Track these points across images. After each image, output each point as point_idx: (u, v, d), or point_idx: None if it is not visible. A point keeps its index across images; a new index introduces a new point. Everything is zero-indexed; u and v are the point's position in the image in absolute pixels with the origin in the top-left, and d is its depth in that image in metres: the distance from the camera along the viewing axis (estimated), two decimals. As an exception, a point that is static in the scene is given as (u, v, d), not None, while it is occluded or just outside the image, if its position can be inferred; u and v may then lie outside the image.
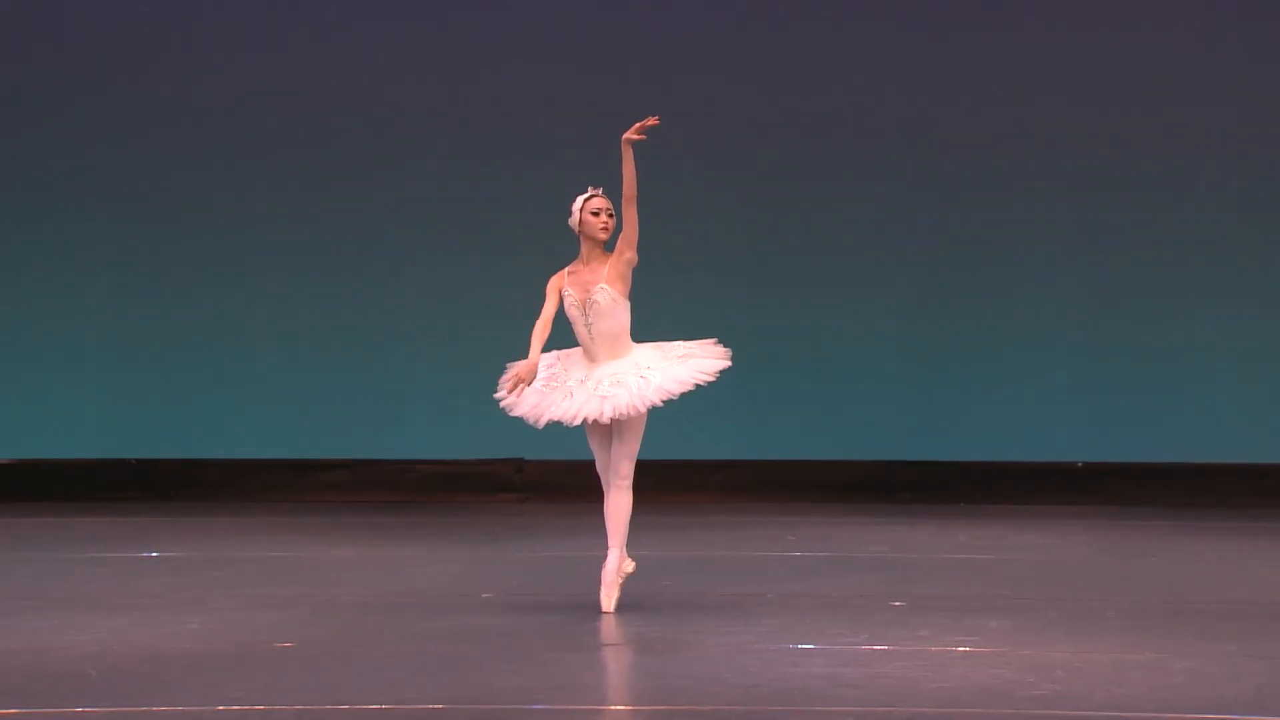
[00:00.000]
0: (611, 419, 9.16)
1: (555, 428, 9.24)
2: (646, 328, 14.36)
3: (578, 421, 9.14)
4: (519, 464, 14.28)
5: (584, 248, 9.35)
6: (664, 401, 9.19)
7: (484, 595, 9.74)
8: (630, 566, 9.35)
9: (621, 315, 9.29)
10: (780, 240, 14.42)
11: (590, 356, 9.30)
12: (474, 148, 14.33)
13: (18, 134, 14.15)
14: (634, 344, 9.38)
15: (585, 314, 9.25)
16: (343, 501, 13.98)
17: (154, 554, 11.66)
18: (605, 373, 9.20)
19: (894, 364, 14.40)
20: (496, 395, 9.29)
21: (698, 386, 9.28)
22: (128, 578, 10.61)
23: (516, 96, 14.28)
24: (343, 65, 14.28)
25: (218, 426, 14.25)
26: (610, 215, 9.35)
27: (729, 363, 9.36)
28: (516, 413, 9.25)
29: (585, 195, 9.36)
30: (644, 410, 9.18)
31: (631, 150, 9.23)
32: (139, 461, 14.32)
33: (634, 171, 9.24)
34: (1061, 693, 7.65)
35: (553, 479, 14.39)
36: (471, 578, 10.46)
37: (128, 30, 14.25)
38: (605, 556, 9.29)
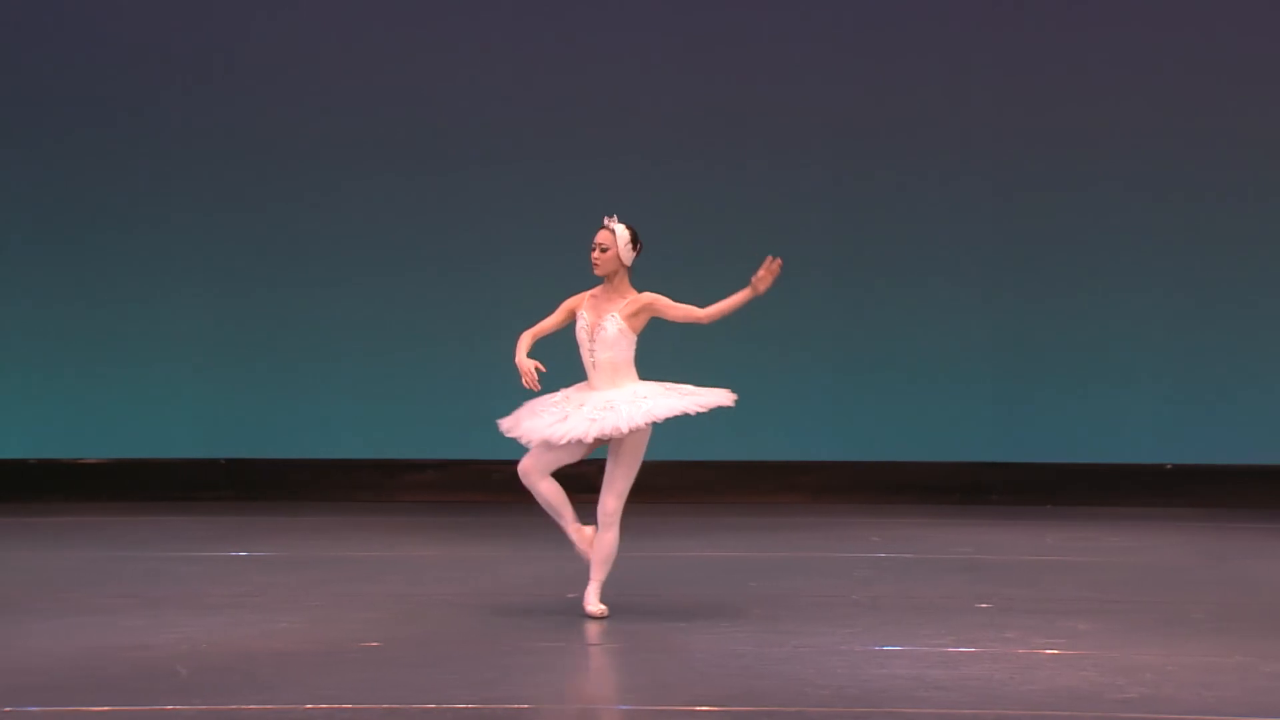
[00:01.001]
0: (603, 441, 9.15)
1: None
2: (737, 327, 14.42)
3: (565, 440, 9.12)
4: (601, 465, 14.30)
5: (614, 277, 9.33)
6: (648, 424, 9.13)
7: (569, 595, 9.76)
8: (598, 609, 9.30)
9: (625, 348, 9.27)
10: (870, 240, 14.38)
11: (592, 382, 9.31)
12: (564, 147, 14.36)
13: (114, 131, 14.27)
14: (638, 379, 9.31)
15: (591, 339, 9.26)
16: (431, 501, 14.03)
17: (244, 553, 11.75)
18: (601, 399, 9.19)
19: (984, 365, 14.34)
20: (501, 425, 9.35)
21: (686, 415, 9.20)
22: (219, 577, 10.69)
23: (619, 92, 14.30)
24: (431, 66, 14.33)
25: (308, 427, 14.33)
26: (603, 251, 9.29)
27: (730, 402, 9.28)
28: (513, 434, 9.28)
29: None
30: (626, 430, 9.09)
31: (749, 296, 9.19)
32: (229, 461, 14.42)
33: (729, 311, 9.21)
34: (1150, 695, 7.61)
35: (638, 479, 14.39)
36: (557, 578, 10.48)
37: (224, 32, 14.36)
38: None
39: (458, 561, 11.42)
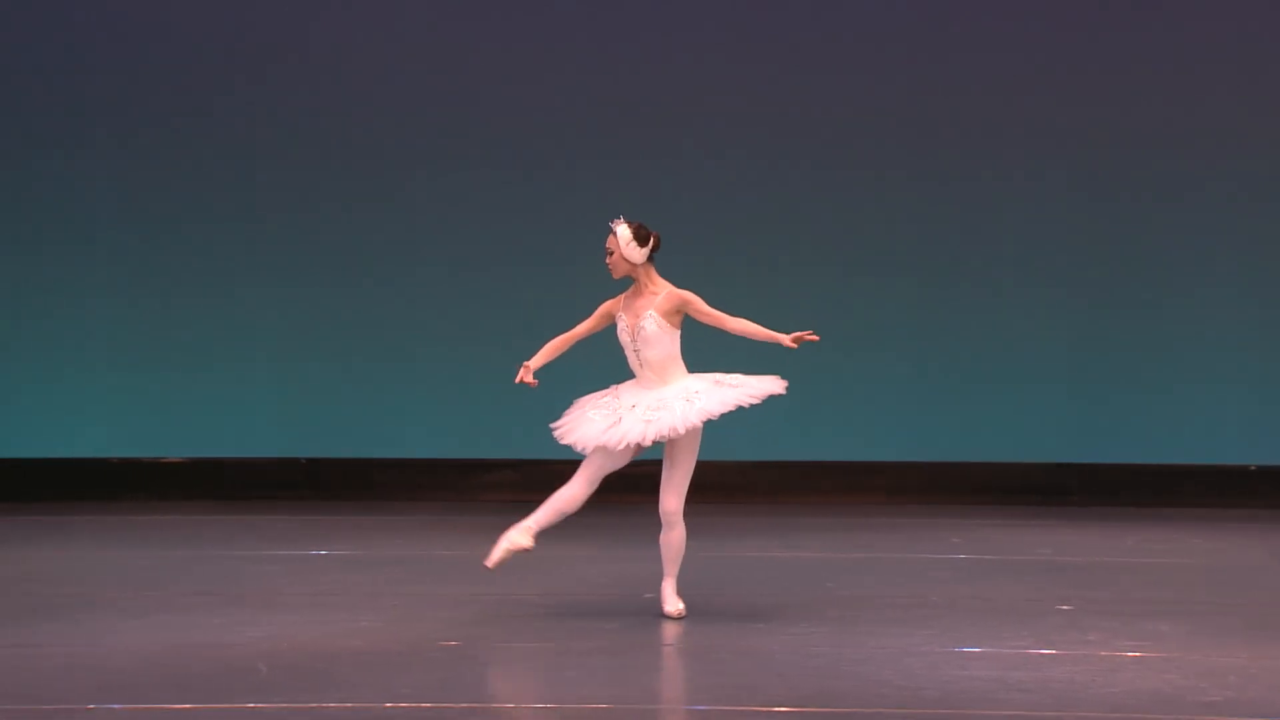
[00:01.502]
0: (660, 442, 9.13)
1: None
2: (812, 326, 14.31)
3: (622, 445, 9.11)
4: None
5: (637, 276, 9.32)
6: (704, 422, 9.11)
7: (646, 595, 9.76)
8: (677, 609, 9.28)
9: (669, 344, 9.25)
10: (947, 240, 14.33)
11: (642, 383, 9.29)
12: (636, 147, 14.37)
13: (195, 130, 14.37)
14: (688, 372, 9.29)
15: (634, 340, 9.25)
16: (510, 501, 14.06)
17: (324, 552, 11.80)
18: (653, 398, 9.17)
19: (1064, 365, 14.27)
20: (552, 425, 9.34)
21: (740, 408, 9.18)
22: (299, 575, 10.75)
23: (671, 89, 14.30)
24: (509, 66, 14.37)
25: (387, 426, 14.39)
26: (610, 255, 9.31)
27: (781, 389, 9.25)
28: (567, 441, 9.28)
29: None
30: (683, 431, 9.07)
31: (777, 341, 9.18)
32: (309, 461, 14.50)
33: (754, 337, 9.19)
34: (1234, 699, 7.55)
35: (714, 479, 14.39)
36: (635, 578, 10.49)
37: (300, 28, 14.44)
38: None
39: (536, 561, 11.42)
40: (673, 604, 9.27)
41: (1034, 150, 14.25)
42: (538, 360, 9.42)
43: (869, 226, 14.28)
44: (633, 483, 14.21)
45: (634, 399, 9.19)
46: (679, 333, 9.29)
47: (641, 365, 9.27)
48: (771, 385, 9.26)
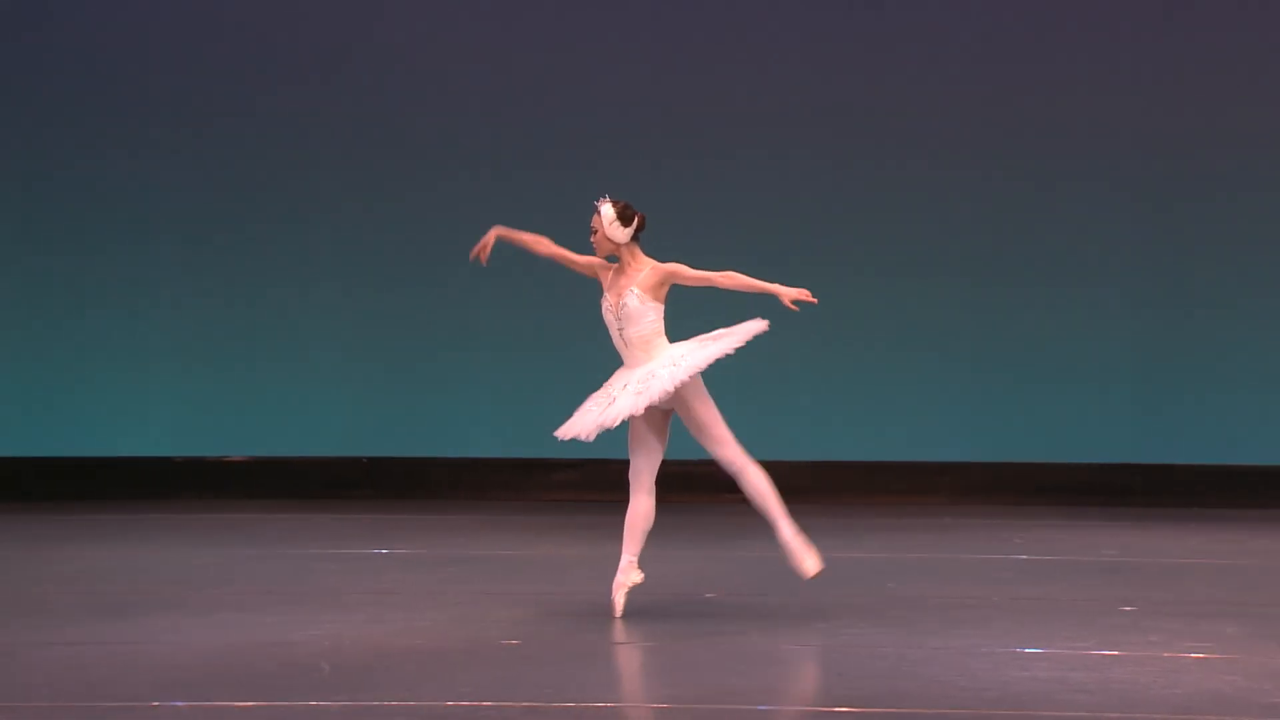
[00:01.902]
0: (665, 409, 9.10)
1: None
2: (876, 327, 14.32)
3: (619, 421, 9.08)
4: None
5: (620, 254, 9.32)
6: (691, 377, 9.05)
7: (707, 595, 9.76)
8: (638, 577, 9.24)
9: (653, 319, 9.23)
10: (1011, 240, 14.29)
11: (627, 362, 9.28)
12: (694, 145, 14.37)
13: (256, 130, 14.44)
14: (670, 344, 9.27)
15: (618, 318, 9.25)
16: (571, 501, 14.09)
17: (385, 551, 11.84)
18: (642, 372, 9.16)
19: (1128, 366, 14.21)
20: (556, 433, 9.34)
21: (727, 355, 9.12)
22: (360, 574, 10.79)
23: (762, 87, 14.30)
24: (547, 65, 14.39)
25: (448, 426, 14.43)
26: (593, 234, 9.31)
27: (763, 327, 9.16)
28: (569, 435, 9.25)
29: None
30: (673, 388, 9.01)
31: (772, 293, 9.14)
32: (370, 460, 14.55)
33: (750, 290, 9.15)
34: (1299, 701, 7.51)
35: (776, 479, 14.36)
36: (696, 577, 10.49)
37: (366, 29, 14.49)
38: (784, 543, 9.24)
39: (597, 560, 11.44)
40: (810, 561, 9.20)
41: (1096, 150, 14.19)
42: (513, 236, 9.38)
43: (932, 227, 14.25)
44: (691, 482, 14.24)
45: (624, 380, 9.20)
46: (663, 308, 9.27)
47: (626, 345, 9.26)
48: (753, 326, 9.21)
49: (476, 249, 9.54)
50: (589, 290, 14.32)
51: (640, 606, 9.46)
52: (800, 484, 14.35)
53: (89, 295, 14.50)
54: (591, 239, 9.37)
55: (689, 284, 9.25)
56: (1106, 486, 14.20)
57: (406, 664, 8.14)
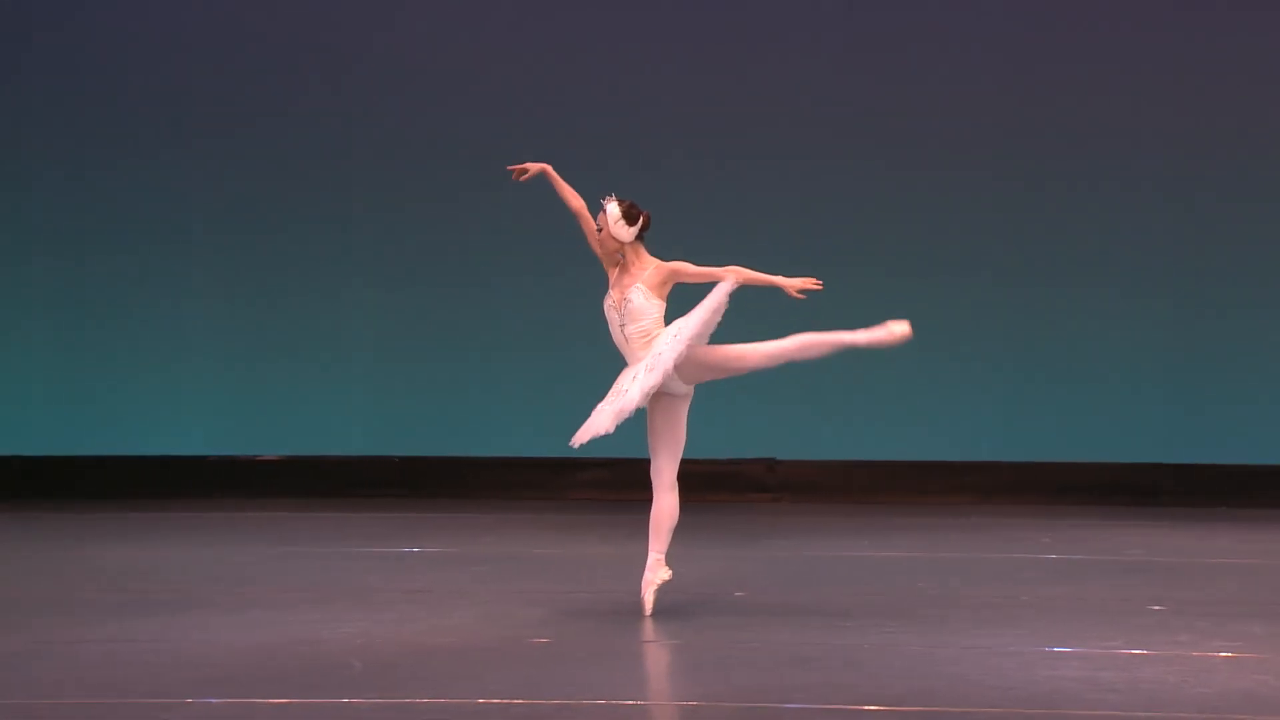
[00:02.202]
0: (689, 390, 9.14)
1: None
2: (914, 332, 14.18)
3: (636, 405, 9.07)
4: (771, 463, 14.32)
5: (624, 251, 9.34)
6: (695, 336, 9.08)
7: (736, 594, 9.79)
8: (666, 574, 9.29)
9: (655, 315, 9.27)
10: (1040, 241, 14.29)
11: (629, 359, 9.31)
12: (730, 145, 14.39)
13: (291, 130, 14.49)
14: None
15: (620, 314, 9.27)
16: (601, 500, 14.11)
17: (416, 549, 11.88)
18: (645, 362, 9.19)
19: (1157, 365, 14.20)
20: (573, 440, 9.37)
21: (715, 314, 9.13)
22: (392, 572, 10.83)
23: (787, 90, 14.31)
24: (571, 67, 14.42)
25: (479, 424, 14.47)
26: (599, 231, 9.34)
27: (731, 285, 9.15)
28: (586, 439, 9.28)
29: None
30: (673, 364, 9.05)
31: (776, 286, 9.16)
32: (402, 459, 14.59)
33: (757, 284, 9.17)
34: (1327, 700, 7.51)
35: (805, 478, 14.41)
36: (724, 577, 10.51)
37: (377, 34, 14.54)
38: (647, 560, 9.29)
39: (627, 559, 11.47)
40: (663, 572, 9.27)
41: (1127, 148, 14.18)
42: (557, 181, 9.48)
43: (961, 228, 14.25)
44: (718, 482, 14.26)
45: (631, 374, 9.23)
46: (664, 305, 9.31)
47: (626, 340, 9.29)
48: (724, 286, 9.19)
49: (518, 168, 9.50)
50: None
51: (669, 605, 9.48)
52: (830, 484, 14.40)
53: (121, 296, 14.57)
54: (596, 236, 9.38)
55: (692, 281, 9.28)
56: (1135, 486, 14.18)
57: (436, 662, 8.18)
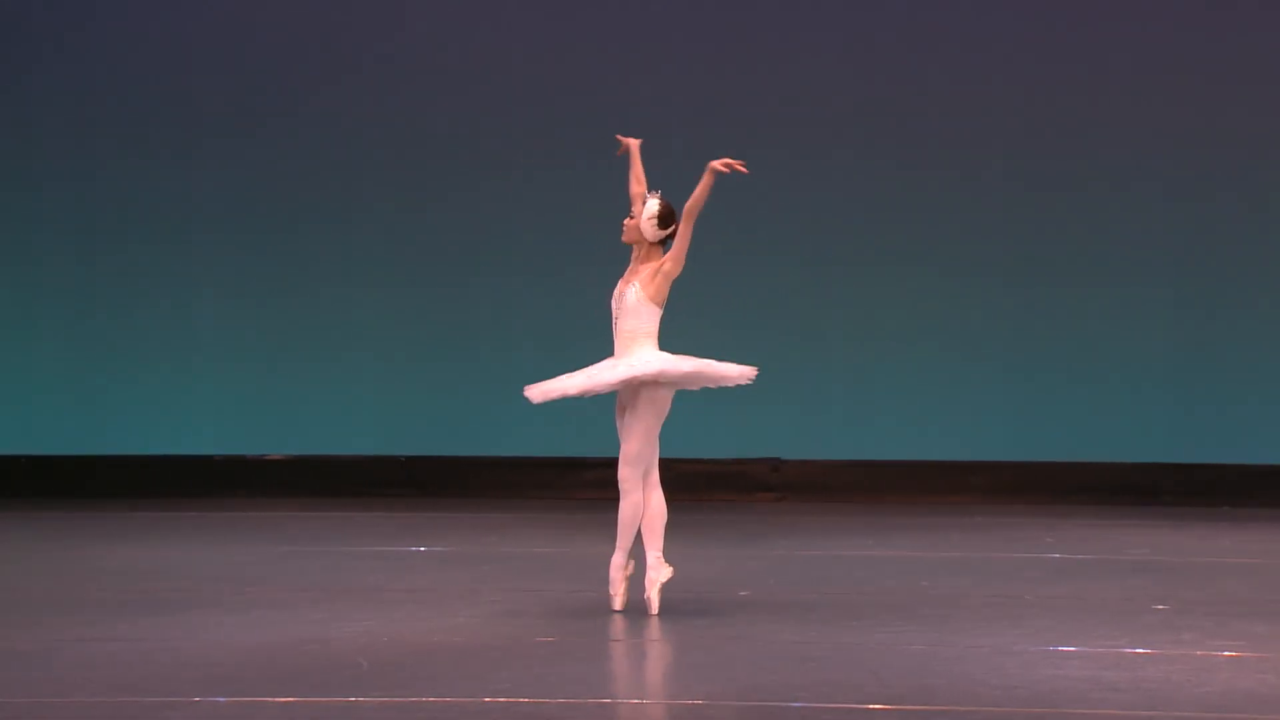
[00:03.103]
0: (634, 381, 9.14)
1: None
2: (911, 326, 14.35)
3: (601, 389, 9.13)
4: (776, 463, 14.34)
5: (642, 248, 9.37)
6: (680, 376, 9.14)
7: (740, 593, 9.81)
8: (668, 572, 9.30)
9: (646, 319, 9.27)
10: (1044, 240, 14.31)
11: (616, 352, 9.33)
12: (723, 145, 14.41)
13: (301, 130, 14.52)
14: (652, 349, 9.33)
15: (617, 306, 9.31)
16: (606, 499, 14.12)
17: (423, 549, 11.91)
18: (632, 357, 9.23)
19: (1160, 365, 14.22)
20: (529, 394, 9.35)
21: (708, 379, 9.24)
22: (398, 572, 10.85)
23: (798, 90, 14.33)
24: (588, 64, 14.44)
25: (485, 424, 14.49)
26: (630, 219, 9.34)
27: (753, 374, 9.25)
28: (549, 397, 9.27)
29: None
30: (648, 374, 9.10)
31: (713, 178, 9.19)
32: (408, 459, 14.62)
33: (705, 195, 9.19)
34: (1329, 699, 7.53)
35: (809, 478, 14.43)
36: (728, 576, 10.53)
37: (380, 35, 14.57)
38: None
39: (634, 558, 11.49)
40: (665, 572, 9.31)
41: (1130, 148, 14.19)
42: (635, 162, 9.53)
43: (966, 228, 14.27)
44: (722, 481, 14.29)
45: (613, 362, 9.24)
46: (659, 314, 9.31)
47: (616, 334, 9.32)
48: (749, 371, 9.25)
49: (625, 143, 9.55)
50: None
51: (674, 604, 9.51)
52: (835, 483, 14.41)
53: (130, 296, 14.60)
54: (624, 222, 9.39)
55: (675, 260, 9.23)
56: (1139, 486, 14.20)
57: (442, 660, 8.20)
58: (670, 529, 12.94)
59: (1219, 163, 14.15)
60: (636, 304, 9.28)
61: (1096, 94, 14.20)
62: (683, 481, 14.31)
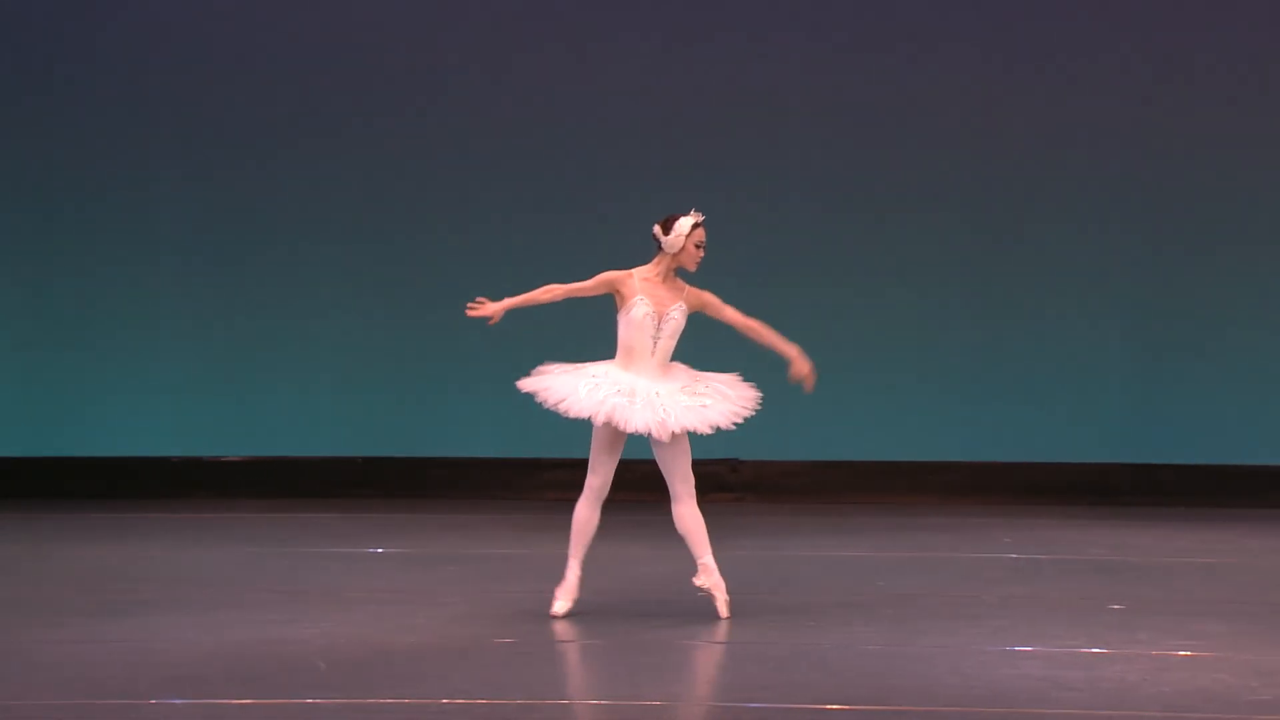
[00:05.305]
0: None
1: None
2: (868, 330, 14.38)
3: (643, 429, 9.10)
4: (735, 464, 14.36)
5: (664, 264, 9.33)
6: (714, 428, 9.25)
7: (698, 594, 9.82)
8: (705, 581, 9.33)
9: (677, 337, 9.35)
10: (1000, 242, 14.36)
11: (640, 369, 9.28)
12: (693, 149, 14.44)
13: (264, 143, 14.50)
14: (683, 367, 9.42)
15: (658, 329, 9.28)
16: (568, 500, 14.12)
17: (382, 550, 11.90)
18: (671, 387, 9.21)
19: (1117, 366, 14.28)
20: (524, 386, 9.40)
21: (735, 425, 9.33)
22: (356, 573, 10.84)
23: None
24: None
25: (445, 425, 14.48)
26: (701, 247, 9.38)
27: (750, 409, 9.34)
28: (553, 400, 9.24)
29: (694, 222, 9.33)
30: (719, 427, 9.24)
31: (787, 354, 9.29)
32: (366, 460, 14.60)
33: (766, 344, 9.25)
34: (1284, 698, 7.58)
35: (768, 479, 14.46)
36: (686, 577, 10.53)
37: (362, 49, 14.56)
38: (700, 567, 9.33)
39: (593, 559, 11.49)
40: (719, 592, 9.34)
41: (1086, 151, 14.26)
42: (518, 301, 9.45)
43: (925, 229, 14.31)
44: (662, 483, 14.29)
45: (651, 386, 9.21)
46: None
47: (654, 354, 9.29)
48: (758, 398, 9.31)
49: (484, 312, 9.47)
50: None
51: (635, 606, 9.52)
52: (794, 483, 14.45)
53: (90, 298, 14.56)
54: (700, 255, 9.32)
55: (718, 316, 9.30)
56: (1096, 486, 14.26)
57: (402, 662, 8.20)
58: (630, 529, 12.97)
59: (1176, 166, 14.22)
60: (678, 327, 9.30)
61: (1051, 99, 14.25)
62: (643, 482, 14.32)
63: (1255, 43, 14.17)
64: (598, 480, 9.34)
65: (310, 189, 14.55)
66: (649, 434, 9.13)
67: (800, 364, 9.32)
